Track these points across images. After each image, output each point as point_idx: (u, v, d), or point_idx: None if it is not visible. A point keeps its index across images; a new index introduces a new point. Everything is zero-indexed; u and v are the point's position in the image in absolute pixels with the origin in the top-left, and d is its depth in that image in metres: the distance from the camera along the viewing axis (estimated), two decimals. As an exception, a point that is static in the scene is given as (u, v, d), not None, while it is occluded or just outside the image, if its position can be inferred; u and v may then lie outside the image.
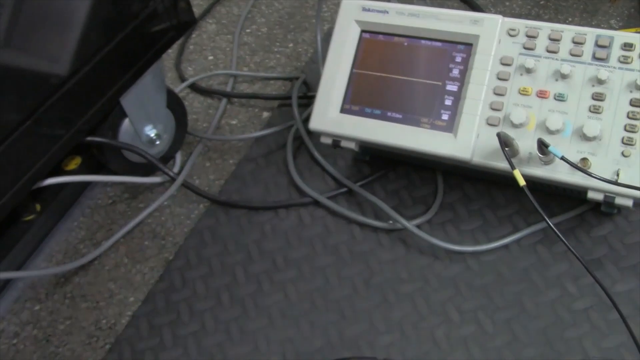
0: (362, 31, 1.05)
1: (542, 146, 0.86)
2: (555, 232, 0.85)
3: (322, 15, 1.49)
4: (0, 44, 0.85)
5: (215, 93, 1.37)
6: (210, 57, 1.47)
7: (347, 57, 1.04)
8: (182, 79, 1.42)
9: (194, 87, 1.40)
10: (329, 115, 1.03)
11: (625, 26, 1.30)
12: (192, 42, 1.52)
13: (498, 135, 0.88)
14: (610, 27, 1.31)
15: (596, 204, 1.00)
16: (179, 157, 1.25)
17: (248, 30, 1.52)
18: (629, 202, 0.89)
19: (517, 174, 0.86)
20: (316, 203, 1.12)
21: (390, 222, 1.05)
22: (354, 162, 1.16)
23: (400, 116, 1.00)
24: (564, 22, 1.34)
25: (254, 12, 1.56)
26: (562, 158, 0.86)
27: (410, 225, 1.02)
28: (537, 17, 1.36)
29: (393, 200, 1.09)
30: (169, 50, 1.48)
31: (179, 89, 1.37)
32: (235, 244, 1.09)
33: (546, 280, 0.96)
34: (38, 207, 1.13)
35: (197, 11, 1.57)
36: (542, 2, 1.39)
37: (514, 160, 0.89)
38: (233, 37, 1.50)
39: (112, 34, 1.00)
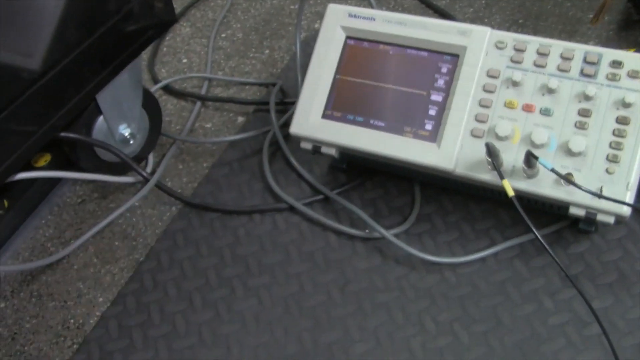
0: (347, 37, 1.04)
1: (531, 158, 0.86)
2: (541, 242, 0.86)
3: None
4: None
5: (189, 96, 1.36)
6: (185, 60, 1.45)
7: (331, 63, 1.04)
8: (155, 80, 1.40)
9: (167, 89, 1.38)
10: (310, 120, 1.02)
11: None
12: (165, 45, 1.50)
13: (486, 145, 0.88)
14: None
15: (573, 222, 1.00)
16: (151, 158, 1.23)
17: (223, 35, 1.50)
18: (611, 219, 0.89)
19: (507, 184, 0.86)
20: (291, 209, 1.10)
21: (367, 230, 1.04)
22: (331, 169, 1.15)
23: (383, 124, 0.99)
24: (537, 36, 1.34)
25: (230, 17, 1.54)
26: (552, 170, 0.86)
27: (387, 233, 1.01)
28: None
29: (369, 209, 1.08)
30: (142, 52, 1.47)
31: (153, 89, 1.35)
32: (208, 248, 1.07)
33: (522, 294, 0.95)
34: (6, 203, 1.10)
35: (171, 14, 1.56)
36: (520, 21, 1.40)
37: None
38: (208, 41, 1.48)
39: (90, 29, 0.98)
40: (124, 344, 0.97)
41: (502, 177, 0.87)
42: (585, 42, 1.32)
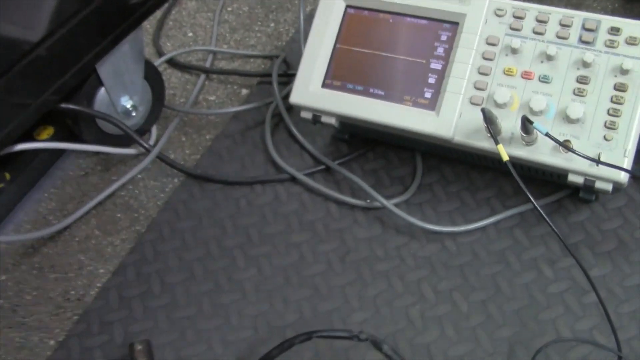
0: (347, 6, 1.04)
1: (527, 122, 0.86)
2: (538, 209, 0.85)
3: (304, -4, 1.48)
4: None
5: (193, 69, 1.36)
6: (190, 34, 1.45)
7: (331, 32, 1.03)
8: (160, 54, 1.40)
9: (172, 63, 1.38)
10: (310, 89, 1.02)
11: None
12: (171, 19, 1.50)
13: (482, 110, 0.87)
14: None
15: (574, 191, 1.00)
16: (154, 130, 1.23)
17: (229, 9, 1.50)
18: (609, 187, 0.89)
19: (501, 148, 0.85)
20: (293, 180, 1.10)
21: (368, 200, 1.04)
22: (333, 140, 1.15)
23: (382, 93, 0.99)
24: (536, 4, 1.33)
25: (236, -10, 1.54)
26: (547, 134, 0.85)
27: (388, 203, 1.01)
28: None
29: (371, 179, 1.08)
30: (147, 26, 1.47)
31: (157, 63, 1.35)
32: (209, 219, 1.07)
33: (522, 263, 0.95)
34: (7, 176, 1.11)
35: (177, -12, 1.56)
36: (525, -8, 1.38)
37: (496, 140, 0.89)
38: (213, 15, 1.48)
39: (88, -2, 0.99)
40: (124, 314, 0.98)
41: (497, 142, 0.86)
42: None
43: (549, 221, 0.85)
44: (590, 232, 0.97)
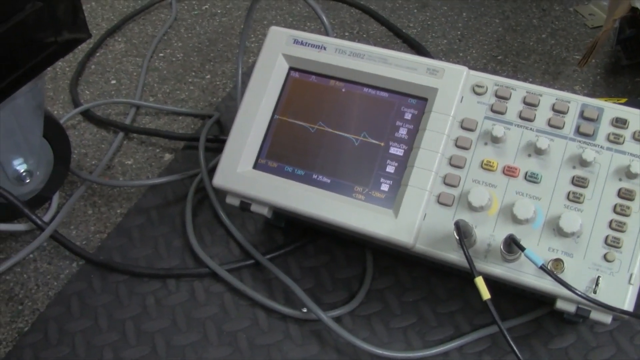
0: (291, 68, 0.86)
1: (514, 245, 0.67)
2: (502, 332, 0.66)
3: (248, 45, 1.28)
4: None
5: (111, 125, 1.16)
6: (113, 82, 1.26)
7: (269, 99, 0.85)
8: (76, 103, 1.20)
9: (87, 115, 1.18)
10: (239, 170, 0.83)
11: (590, 94, 1.15)
12: (94, 62, 1.30)
13: (456, 224, 0.68)
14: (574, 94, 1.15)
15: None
16: (56, 199, 1.02)
17: (161, 55, 1.31)
18: (608, 319, 0.71)
19: (481, 283, 0.66)
20: (214, 275, 0.90)
21: (304, 309, 0.84)
22: (266, 227, 0.96)
23: (328, 181, 0.80)
24: (524, 82, 1.17)
25: (171, 34, 1.35)
26: (542, 267, 0.67)
27: (327, 317, 0.81)
28: (494, 74, 1.19)
29: (310, 280, 0.89)
30: (66, 68, 1.28)
31: (70, 115, 1.16)
32: (108, 319, 0.87)
33: (493, 404, 0.76)
34: None
35: (106, 26, 1.38)
36: (499, 57, 1.21)
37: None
38: (142, 61, 1.28)
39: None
40: None
41: (475, 275, 0.67)
42: (571, 86, 1.15)
43: (517, 353, 0.67)
44: (576, 364, 0.79)
